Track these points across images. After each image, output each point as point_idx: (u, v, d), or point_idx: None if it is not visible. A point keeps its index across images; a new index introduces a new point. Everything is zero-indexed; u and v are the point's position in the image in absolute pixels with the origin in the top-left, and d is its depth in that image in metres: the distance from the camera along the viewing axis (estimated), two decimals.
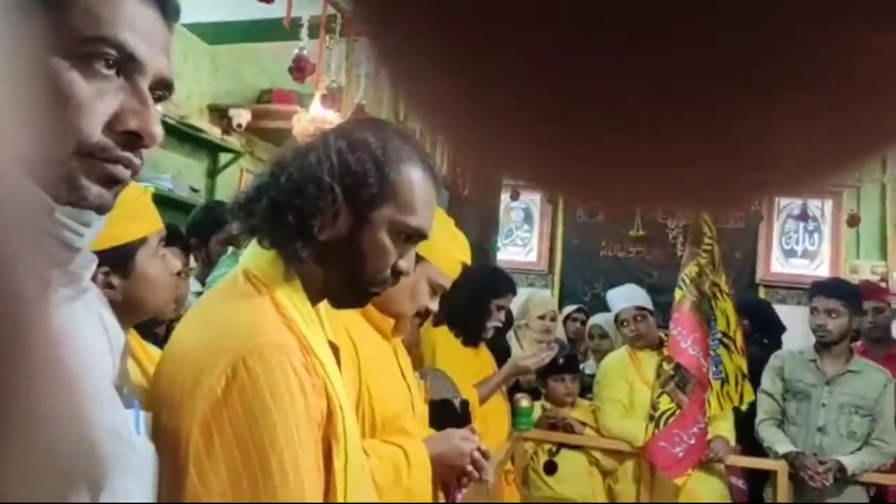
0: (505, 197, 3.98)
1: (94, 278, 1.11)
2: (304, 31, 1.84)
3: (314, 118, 3.95)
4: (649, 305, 3.09)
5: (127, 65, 0.63)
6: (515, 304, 3.56)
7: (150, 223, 1.12)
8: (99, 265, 1.12)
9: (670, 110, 0.19)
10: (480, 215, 3.54)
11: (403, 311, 1.56)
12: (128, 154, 0.63)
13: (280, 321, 0.84)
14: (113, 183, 0.62)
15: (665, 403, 2.79)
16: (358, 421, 1.42)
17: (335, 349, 0.98)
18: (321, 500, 0.80)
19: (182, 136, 3.71)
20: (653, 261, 4.76)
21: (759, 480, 2.97)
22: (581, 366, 3.46)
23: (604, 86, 0.18)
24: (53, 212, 0.58)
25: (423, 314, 1.63)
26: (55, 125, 0.58)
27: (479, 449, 1.47)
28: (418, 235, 0.94)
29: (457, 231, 1.66)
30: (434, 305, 1.62)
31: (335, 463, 0.82)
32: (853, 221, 3.80)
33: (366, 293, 0.94)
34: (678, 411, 2.75)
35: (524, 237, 5.36)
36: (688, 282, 2.83)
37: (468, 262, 1.64)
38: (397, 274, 0.95)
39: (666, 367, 2.83)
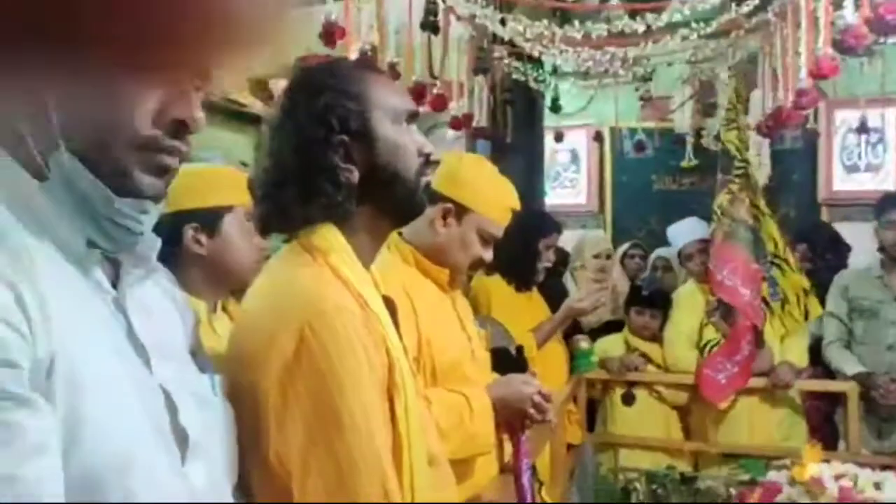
0: (549, 140, 3.93)
1: (183, 234, 1.28)
2: None
3: None
4: None
5: None
6: (570, 247, 3.56)
7: (240, 195, 1.21)
8: (189, 222, 1.29)
9: None
10: (525, 161, 3.51)
11: (457, 263, 1.60)
12: (175, 142, 0.68)
13: (338, 284, 0.89)
14: (164, 172, 0.68)
15: (710, 333, 2.79)
16: (419, 371, 1.48)
17: (391, 304, 1.02)
18: (389, 447, 0.85)
19: (227, 113, 3.79)
20: (707, 191, 4.63)
21: (830, 404, 2.93)
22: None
23: None
24: (113, 202, 0.63)
25: (477, 265, 1.66)
26: (108, 121, 0.63)
27: (540, 392, 1.51)
28: (409, 112, 0.98)
29: (501, 178, 1.66)
30: (488, 255, 1.64)
31: (397, 411, 0.88)
32: None
33: (416, 190, 0.97)
34: (722, 341, 2.74)
35: (572, 178, 5.29)
36: (720, 212, 2.78)
37: (517, 207, 1.64)
38: (427, 157, 0.98)
39: (711, 298, 2.81)
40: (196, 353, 0.81)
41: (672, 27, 2.11)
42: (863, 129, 3.37)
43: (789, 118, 2.12)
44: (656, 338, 3.03)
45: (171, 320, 0.79)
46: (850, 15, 1.41)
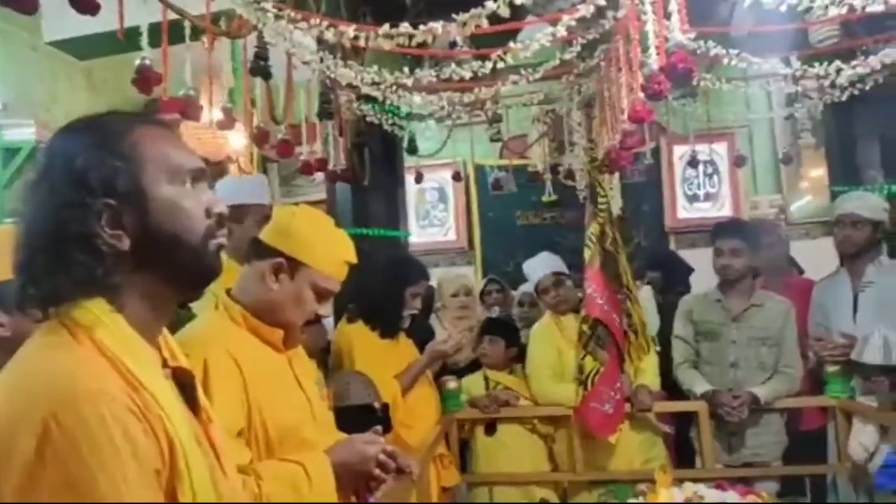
0: (410, 180, 3.93)
1: None
2: (143, 40, 1.74)
3: (202, 125, 3.77)
4: (565, 270, 3.13)
5: None
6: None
7: None
8: None
9: None
10: (385, 202, 3.49)
11: (291, 321, 1.51)
12: None
13: (103, 364, 0.77)
14: None
15: (590, 363, 2.82)
16: (251, 441, 1.38)
17: (186, 375, 0.92)
18: None
19: None
20: (567, 223, 4.84)
21: (685, 423, 3.07)
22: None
23: None
24: None
25: (313, 321, 1.59)
26: None
27: (384, 451, 1.44)
28: (193, 171, 0.88)
29: (336, 231, 1.60)
30: (324, 310, 1.57)
31: (181, 500, 0.77)
32: (738, 162, 3.96)
33: (202, 257, 0.87)
34: (601, 369, 2.81)
35: (441, 217, 5.35)
36: (594, 240, 2.87)
37: (353, 260, 1.58)
38: (218, 215, 0.89)
39: (584, 328, 2.87)
40: None
41: (500, 73, 2.18)
42: (693, 162, 3.65)
43: (619, 158, 2.24)
44: (511, 368, 3.07)
45: None
46: (654, 62, 1.50)
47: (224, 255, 0.93)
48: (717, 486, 2.16)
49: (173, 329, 0.99)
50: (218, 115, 2.23)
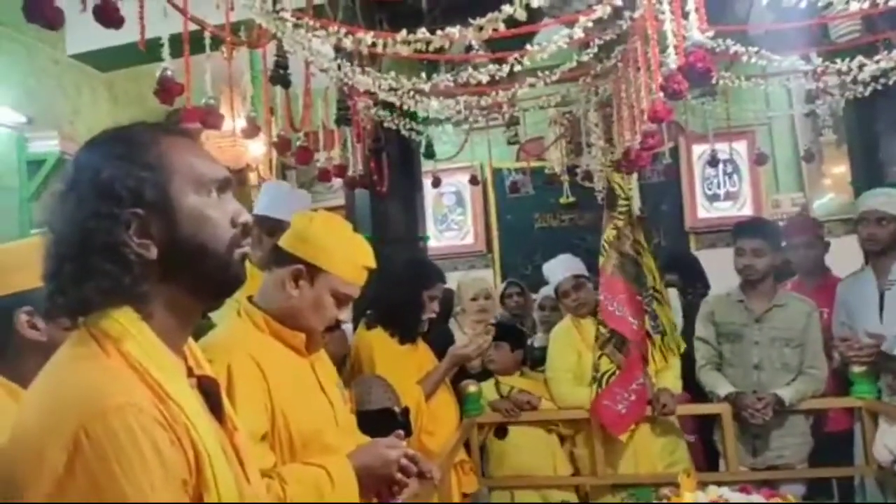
0: (427, 184, 3.94)
1: (15, 319, 1.12)
2: (165, 51, 1.77)
3: (222, 134, 3.82)
4: (586, 272, 3.11)
5: None
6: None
7: None
8: (20, 305, 1.13)
9: None
10: (404, 207, 3.50)
11: (312, 326, 1.53)
12: None
13: (131, 376, 0.79)
14: None
15: (605, 364, 2.83)
16: (275, 445, 1.39)
17: (211, 384, 0.93)
18: None
19: None
20: (585, 225, 4.82)
21: (708, 426, 3.04)
22: (530, 340, 3.46)
23: None
24: None
25: (334, 327, 1.60)
26: None
27: (406, 455, 1.45)
28: (219, 181, 0.89)
29: (355, 236, 1.61)
30: (344, 315, 1.58)
31: None
32: (759, 160, 3.91)
33: (227, 264, 0.88)
34: (618, 371, 2.79)
35: (459, 221, 5.35)
36: (608, 246, 2.86)
37: (372, 265, 1.59)
38: (243, 225, 0.90)
39: (603, 330, 2.86)
40: None
41: (516, 76, 2.18)
42: (713, 161, 3.61)
43: (638, 158, 2.23)
44: (522, 371, 3.06)
45: None
46: (672, 62, 1.49)
47: (248, 264, 0.95)
48: (741, 490, 2.14)
49: (194, 338, 1.01)
50: (239, 123, 2.26)
